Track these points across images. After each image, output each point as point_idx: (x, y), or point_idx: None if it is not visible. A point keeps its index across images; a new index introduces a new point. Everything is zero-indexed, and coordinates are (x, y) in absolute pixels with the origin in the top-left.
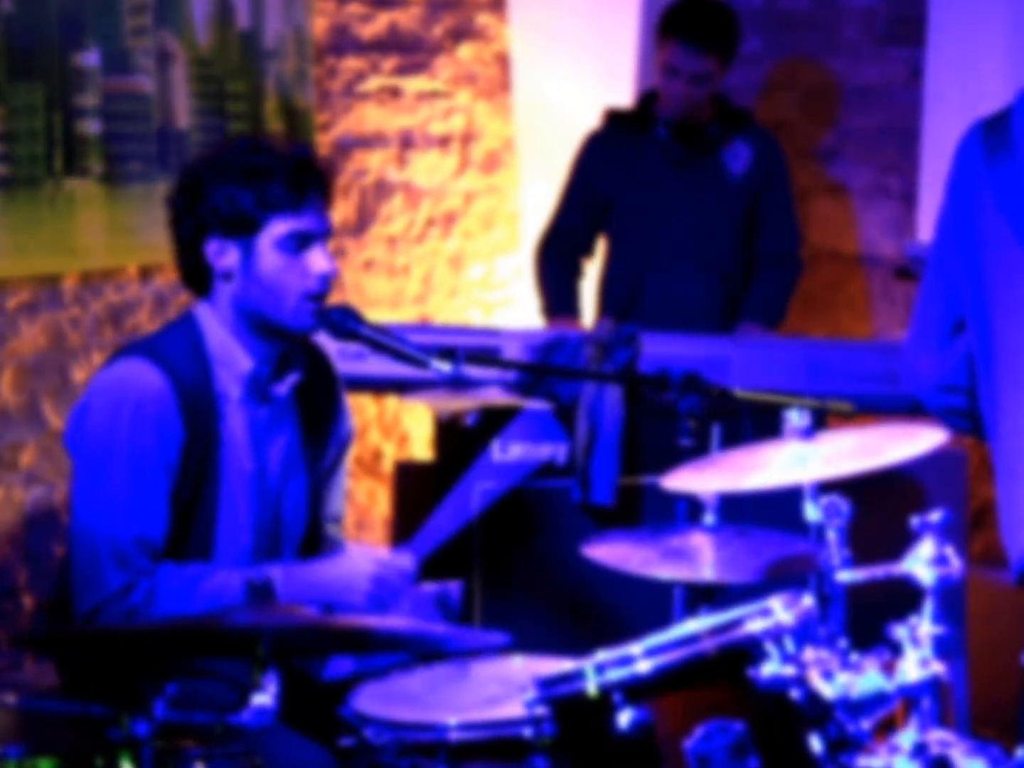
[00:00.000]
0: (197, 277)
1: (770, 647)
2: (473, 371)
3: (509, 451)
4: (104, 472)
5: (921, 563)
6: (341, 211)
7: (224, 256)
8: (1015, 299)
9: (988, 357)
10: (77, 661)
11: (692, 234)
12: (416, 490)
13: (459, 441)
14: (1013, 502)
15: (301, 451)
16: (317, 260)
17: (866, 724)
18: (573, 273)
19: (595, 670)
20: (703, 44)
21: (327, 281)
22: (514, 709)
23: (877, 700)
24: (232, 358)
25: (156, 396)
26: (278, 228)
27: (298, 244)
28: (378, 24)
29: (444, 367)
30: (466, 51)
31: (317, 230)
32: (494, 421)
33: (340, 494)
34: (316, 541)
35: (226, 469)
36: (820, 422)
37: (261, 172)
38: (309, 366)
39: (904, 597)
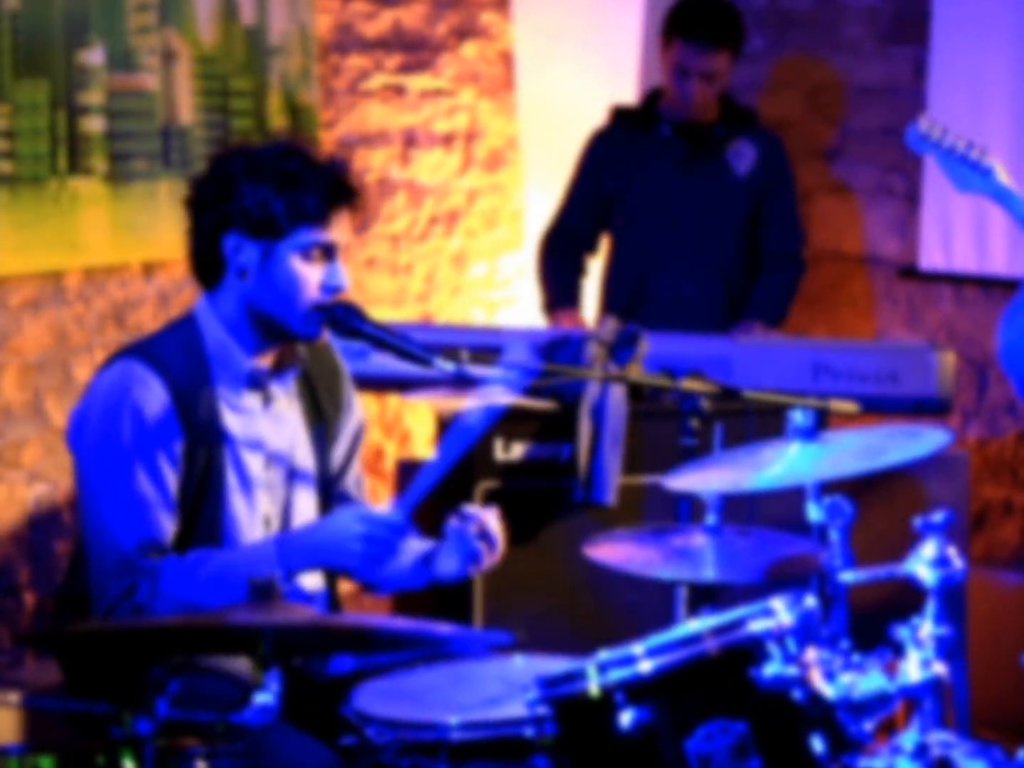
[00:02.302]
0: (208, 267)
1: (772, 647)
2: (476, 370)
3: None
4: (106, 478)
5: (923, 564)
6: None
7: (242, 253)
8: None
9: None
10: (79, 658)
11: (695, 233)
12: None
13: None
14: None
15: (309, 442)
16: (332, 274)
17: (868, 725)
18: (576, 269)
19: (597, 670)
20: (712, 42)
21: (336, 295)
22: (516, 709)
23: (879, 701)
24: (230, 356)
25: (152, 400)
26: (302, 238)
27: (317, 256)
28: (382, 22)
29: (447, 365)
30: (470, 49)
31: (338, 245)
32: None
33: (359, 490)
34: None
35: (231, 466)
36: (823, 422)
37: (297, 180)
38: (310, 356)
39: (906, 598)
